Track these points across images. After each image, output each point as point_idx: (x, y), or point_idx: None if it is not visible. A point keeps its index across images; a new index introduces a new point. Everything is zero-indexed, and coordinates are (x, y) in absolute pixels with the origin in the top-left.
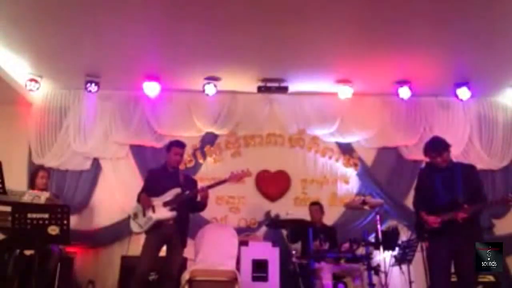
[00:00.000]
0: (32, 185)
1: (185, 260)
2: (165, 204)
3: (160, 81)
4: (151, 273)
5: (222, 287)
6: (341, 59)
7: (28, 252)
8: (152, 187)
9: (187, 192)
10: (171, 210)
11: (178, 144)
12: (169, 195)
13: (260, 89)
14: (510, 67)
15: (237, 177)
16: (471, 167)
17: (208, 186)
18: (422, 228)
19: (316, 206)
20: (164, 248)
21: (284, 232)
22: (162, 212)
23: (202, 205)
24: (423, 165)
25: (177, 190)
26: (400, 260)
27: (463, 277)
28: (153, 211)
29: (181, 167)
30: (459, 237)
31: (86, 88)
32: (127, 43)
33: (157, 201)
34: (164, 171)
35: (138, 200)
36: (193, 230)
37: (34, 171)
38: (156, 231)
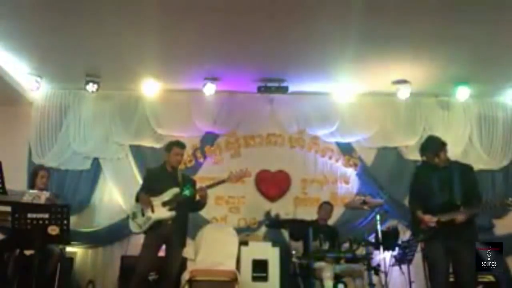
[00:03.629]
0: (32, 185)
1: (185, 260)
2: (164, 204)
3: (160, 81)
4: (150, 273)
5: (222, 287)
6: (341, 59)
7: (28, 252)
8: (151, 186)
9: (186, 192)
10: (170, 210)
11: (179, 145)
12: (168, 195)
13: (260, 89)
14: (510, 68)
15: (236, 177)
16: (468, 167)
17: (207, 186)
18: (418, 228)
19: (330, 206)
20: (164, 247)
21: (285, 232)
22: (161, 212)
23: (201, 205)
24: (419, 163)
25: (176, 190)
26: (400, 260)
27: (461, 277)
28: (152, 211)
29: (181, 167)
30: (455, 238)
31: (86, 88)
32: (127, 43)
33: (156, 201)
34: (163, 171)
35: (137, 200)
36: (193, 230)
37: (34, 171)
38: (155, 231)
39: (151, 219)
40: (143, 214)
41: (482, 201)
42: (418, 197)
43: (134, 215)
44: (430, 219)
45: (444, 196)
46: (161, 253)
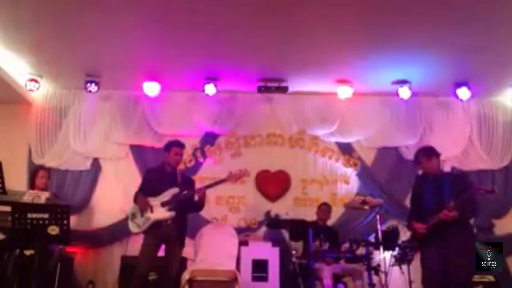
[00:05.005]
0: (32, 185)
1: (185, 260)
2: (163, 204)
3: (160, 81)
4: (150, 273)
5: (222, 287)
6: (341, 59)
7: (28, 252)
8: (150, 186)
9: (185, 192)
10: (169, 210)
11: (178, 144)
12: (167, 195)
13: (260, 89)
14: (510, 67)
15: (235, 177)
16: (461, 176)
17: (206, 186)
18: (414, 237)
19: (327, 207)
20: (164, 247)
21: (285, 232)
22: (160, 213)
23: (199, 205)
24: (416, 177)
25: (175, 190)
26: (400, 260)
27: (455, 284)
28: (151, 211)
29: (181, 166)
30: (448, 243)
31: (86, 88)
32: (127, 43)
33: (155, 201)
34: (162, 171)
35: (135, 200)
36: (193, 230)
37: (34, 171)
38: (155, 231)
39: (150, 220)
40: (142, 215)
41: (471, 194)
42: (415, 208)
43: (133, 216)
44: (422, 227)
45: (435, 202)
46: (161, 253)
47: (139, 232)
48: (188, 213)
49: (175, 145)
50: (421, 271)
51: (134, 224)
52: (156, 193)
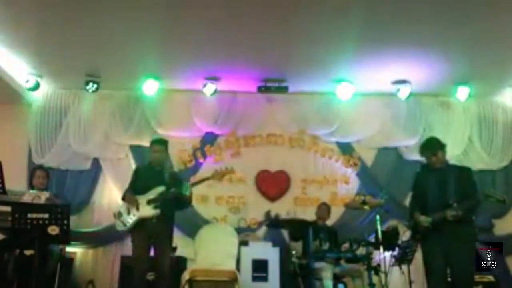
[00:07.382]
0: (31, 185)
1: (185, 260)
2: (149, 202)
3: (160, 81)
4: (150, 273)
5: (222, 287)
6: (341, 59)
7: (28, 252)
8: (137, 185)
9: (172, 190)
10: (155, 208)
11: (157, 142)
12: (153, 193)
13: (260, 89)
14: (510, 67)
15: (220, 174)
16: (466, 169)
17: (191, 183)
18: (416, 229)
19: (326, 207)
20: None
21: (285, 232)
22: (145, 210)
23: (187, 203)
24: (421, 167)
25: (161, 188)
26: (400, 260)
27: (455, 277)
28: (137, 209)
29: (181, 167)
30: (451, 238)
31: (86, 88)
32: (127, 43)
33: (142, 199)
34: (149, 169)
35: (123, 199)
36: (193, 230)
37: (32, 171)
38: (142, 229)
39: (135, 217)
40: (128, 212)
41: (477, 198)
42: (417, 199)
43: (119, 214)
44: (425, 220)
45: (439, 196)
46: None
47: (125, 229)
48: (176, 210)
49: (154, 143)
50: (424, 264)
51: (120, 222)
52: (143, 191)
